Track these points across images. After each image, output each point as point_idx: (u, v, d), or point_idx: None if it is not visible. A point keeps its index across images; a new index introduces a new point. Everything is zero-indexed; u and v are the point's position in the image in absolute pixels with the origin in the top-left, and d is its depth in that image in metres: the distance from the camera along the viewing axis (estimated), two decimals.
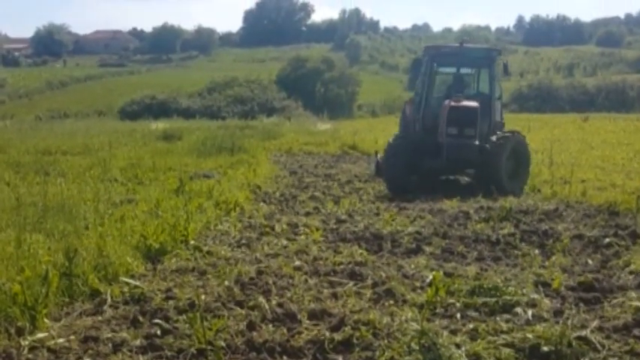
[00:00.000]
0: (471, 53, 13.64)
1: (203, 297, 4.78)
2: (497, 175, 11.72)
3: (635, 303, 4.80)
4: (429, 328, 4.19)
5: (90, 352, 3.95)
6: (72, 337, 4.16)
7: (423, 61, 13.42)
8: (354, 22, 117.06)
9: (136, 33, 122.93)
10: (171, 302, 4.85)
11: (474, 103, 12.19)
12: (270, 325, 4.37)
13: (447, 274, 5.71)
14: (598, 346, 3.99)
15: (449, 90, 13.27)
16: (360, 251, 6.75)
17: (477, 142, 11.89)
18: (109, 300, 4.93)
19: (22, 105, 57.61)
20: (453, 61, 13.62)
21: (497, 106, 13.06)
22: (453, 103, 12.26)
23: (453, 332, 4.23)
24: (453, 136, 12.06)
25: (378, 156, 14.36)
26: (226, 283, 5.32)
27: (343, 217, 9.11)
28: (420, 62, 15.12)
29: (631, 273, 5.86)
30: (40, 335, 4.14)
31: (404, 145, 12.52)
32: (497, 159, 11.80)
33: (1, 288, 4.52)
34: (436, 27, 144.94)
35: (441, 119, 12.16)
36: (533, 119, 37.24)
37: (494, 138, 12.11)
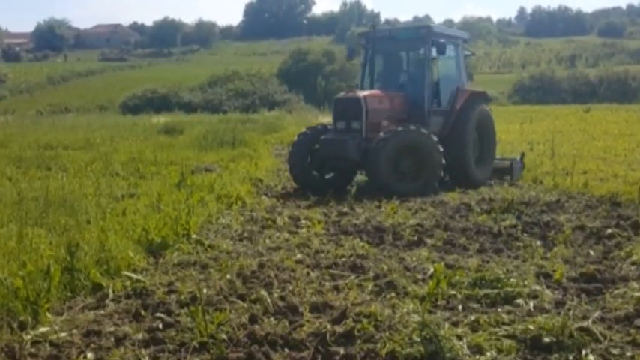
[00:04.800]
0: (401, 35, 12.63)
1: (205, 290, 4.78)
2: (377, 175, 10.58)
3: (637, 293, 4.79)
4: (431, 319, 4.19)
5: (92, 346, 3.95)
6: (74, 331, 4.16)
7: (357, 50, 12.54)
8: (355, 14, 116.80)
9: (136, 27, 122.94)
10: (173, 296, 4.85)
11: (360, 94, 11.18)
12: (272, 318, 4.37)
13: (449, 266, 5.71)
14: (599, 336, 3.99)
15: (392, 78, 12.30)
16: (362, 244, 6.75)
17: (352, 139, 10.80)
18: (111, 294, 4.93)
19: (24, 100, 57.62)
20: (388, 46, 12.39)
21: (439, 91, 11.82)
22: (340, 95, 11.62)
23: (455, 324, 4.23)
24: (341, 131, 11.19)
25: None
26: (228, 276, 5.32)
27: (345, 209, 9.11)
28: (352, 51, 14.32)
29: (633, 264, 5.85)
30: (43, 329, 4.14)
31: (304, 142, 11.65)
32: (376, 157, 10.46)
33: (3, 282, 4.53)
34: (437, 18, 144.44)
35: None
36: (535, 110, 37.25)
37: (382, 133, 10.77)
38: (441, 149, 10.91)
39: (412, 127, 10.89)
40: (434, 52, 11.54)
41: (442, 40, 11.56)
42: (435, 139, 10.95)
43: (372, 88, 12.02)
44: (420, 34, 11.89)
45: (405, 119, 11.39)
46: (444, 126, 11.82)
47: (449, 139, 11.63)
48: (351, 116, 11.09)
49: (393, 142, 10.59)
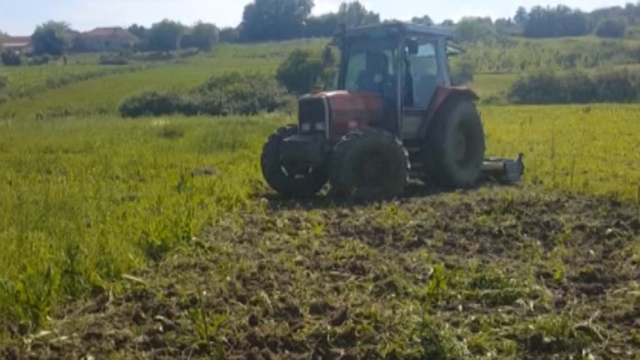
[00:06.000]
0: (374, 34, 12.24)
1: (205, 293, 4.78)
2: (338, 180, 10.21)
3: (637, 293, 4.79)
4: (431, 320, 4.19)
5: (92, 349, 3.95)
6: (74, 334, 4.16)
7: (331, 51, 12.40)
8: (354, 15, 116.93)
9: (136, 30, 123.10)
10: (173, 298, 4.85)
11: (323, 95, 10.94)
12: (272, 320, 4.37)
13: (449, 267, 5.71)
14: (600, 336, 3.98)
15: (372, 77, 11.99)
16: (362, 245, 6.75)
17: (314, 140, 10.57)
18: (111, 297, 4.92)
19: (23, 103, 57.68)
20: (361, 45, 12.18)
21: (414, 91, 11.42)
22: (304, 96, 11.50)
23: (455, 324, 4.22)
24: (305, 132, 10.98)
25: None
26: (228, 278, 5.32)
27: (344, 211, 9.11)
28: (328, 53, 14.02)
29: (633, 263, 5.85)
30: (43, 333, 4.14)
31: (275, 144, 11.31)
32: (338, 161, 10.09)
33: (3, 286, 4.52)
34: (436, 19, 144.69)
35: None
36: (535, 110, 37.22)
37: (344, 137, 10.36)
38: (406, 152, 10.56)
39: (375, 130, 10.57)
40: (406, 51, 11.19)
41: (414, 38, 11.07)
42: (399, 142, 10.58)
43: (344, 88, 11.93)
44: (392, 33, 11.50)
45: (378, 120, 11.14)
46: (421, 126, 11.56)
47: (427, 140, 11.46)
48: (315, 118, 10.84)
49: (354, 145, 10.20)
